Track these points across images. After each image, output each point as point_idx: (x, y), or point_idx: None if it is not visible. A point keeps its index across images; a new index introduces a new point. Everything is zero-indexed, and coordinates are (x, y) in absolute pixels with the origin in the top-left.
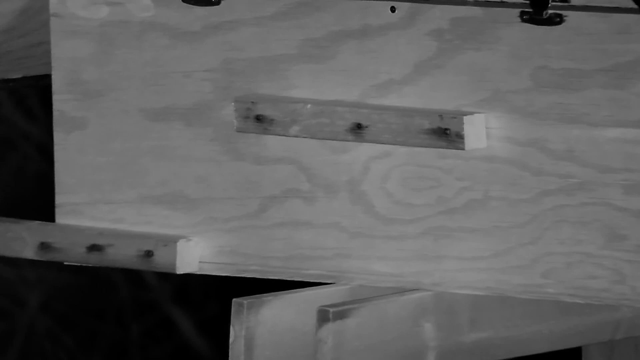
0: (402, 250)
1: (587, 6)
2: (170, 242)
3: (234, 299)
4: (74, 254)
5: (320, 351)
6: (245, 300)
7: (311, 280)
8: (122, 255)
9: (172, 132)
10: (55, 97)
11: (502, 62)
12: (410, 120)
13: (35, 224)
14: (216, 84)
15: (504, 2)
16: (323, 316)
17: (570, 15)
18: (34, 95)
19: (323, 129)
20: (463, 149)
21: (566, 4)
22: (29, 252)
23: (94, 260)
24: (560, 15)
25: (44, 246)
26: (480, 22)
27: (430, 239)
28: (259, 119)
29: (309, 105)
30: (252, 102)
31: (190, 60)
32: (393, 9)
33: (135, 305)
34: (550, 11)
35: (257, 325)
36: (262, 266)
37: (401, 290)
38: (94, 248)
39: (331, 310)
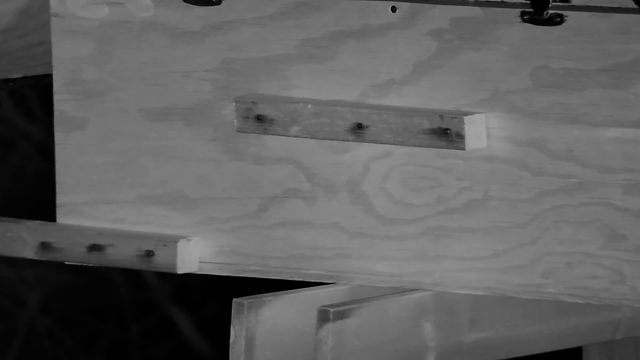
0: (402, 250)
1: (587, 6)
2: (170, 242)
3: (234, 299)
4: (74, 254)
5: (320, 351)
6: (245, 300)
7: (311, 280)
8: (122, 255)
9: (172, 132)
10: (56, 97)
11: (502, 62)
12: (410, 120)
13: (36, 224)
14: (216, 84)
15: (504, 2)
16: (323, 316)
17: (571, 15)
18: (34, 95)
19: (323, 129)
20: (463, 149)
21: (566, 4)
22: (29, 252)
23: (94, 260)
24: (560, 15)
25: (44, 246)
26: (480, 22)
27: (430, 239)
28: (259, 119)
29: (309, 105)
30: (253, 102)
31: (190, 60)
32: (393, 9)
33: (135, 305)
34: (550, 11)
35: (257, 325)
36: (262, 266)
37: (401, 290)
38: (94, 248)
39: (331, 310)
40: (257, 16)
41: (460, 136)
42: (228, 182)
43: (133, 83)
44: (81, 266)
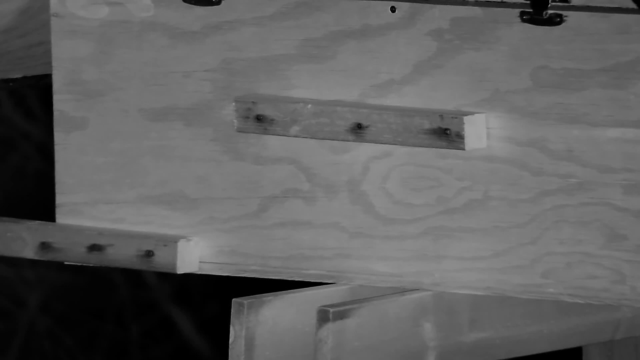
0: (402, 250)
1: (587, 6)
2: (170, 242)
3: (234, 299)
4: (74, 254)
5: (320, 351)
6: (245, 300)
7: (311, 280)
8: (122, 255)
9: (172, 132)
10: (55, 97)
11: (502, 62)
12: (410, 120)
13: (35, 224)
14: (216, 84)
15: (504, 2)
16: (323, 316)
17: (570, 15)
18: (34, 95)
19: (323, 129)
20: (463, 149)
21: (566, 4)
22: (29, 252)
23: (94, 260)
24: (560, 15)
25: (44, 246)
26: (480, 22)
27: (430, 239)
28: (259, 119)
29: (309, 105)
30: (253, 102)
31: (190, 60)
32: (393, 9)
33: (135, 305)
34: (550, 11)
35: (257, 325)
36: (262, 266)
37: (401, 290)
38: (94, 248)
39: (331, 310)
40: (257, 16)
41: (460, 136)
42: (228, 182)
43: (133, 83)
44: (81, 266)
